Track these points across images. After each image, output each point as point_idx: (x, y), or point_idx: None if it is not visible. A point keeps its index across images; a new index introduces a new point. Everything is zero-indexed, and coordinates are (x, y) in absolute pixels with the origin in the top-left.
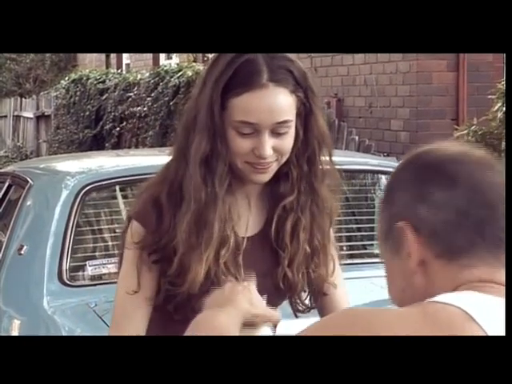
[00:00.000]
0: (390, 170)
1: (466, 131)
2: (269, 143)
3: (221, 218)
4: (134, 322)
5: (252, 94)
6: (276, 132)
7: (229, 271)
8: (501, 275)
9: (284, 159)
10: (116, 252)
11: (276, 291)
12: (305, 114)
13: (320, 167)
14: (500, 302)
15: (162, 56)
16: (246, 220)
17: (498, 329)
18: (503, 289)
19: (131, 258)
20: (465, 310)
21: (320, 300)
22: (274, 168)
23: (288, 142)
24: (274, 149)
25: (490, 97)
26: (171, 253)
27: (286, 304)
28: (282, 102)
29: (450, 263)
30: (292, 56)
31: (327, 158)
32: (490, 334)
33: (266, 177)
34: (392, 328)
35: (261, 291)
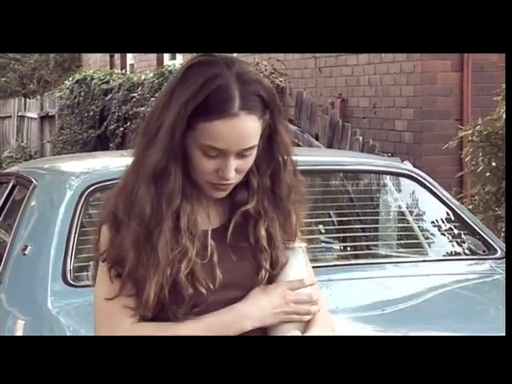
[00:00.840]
0: (395, 170)
1: (470, 131)
2: (233, 166)
3: (166, 240)
4: (117, 328)
5: (223, 122)
6: (241, 155)
7: (195, 282)
8: None
9: (242, 176)
10: None
11: None
12: (269, 132)
13: (288, 180)
14: None
15: (166, 56)
16: (207, 226)
17: None
18: None
19: (101, 267)
20: None
21: None
22: (232, 185)
23: (250, 162)
24: (237, 170)
25: (495, 98)
26: (124, 269)
27: None
28: (250, 130)
29: None
30: (259, 76)
31: (294, 175)
32: None
33: (225, 193)
34: None
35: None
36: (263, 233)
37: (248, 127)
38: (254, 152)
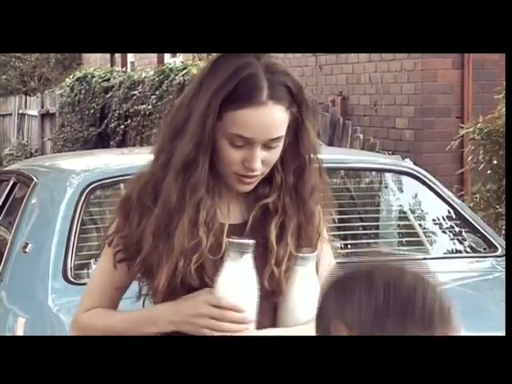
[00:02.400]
0: (395, 168)
1: (471, 129)
2: (259, 156)
3: (184, 230)
4: (103, 300)
5: (251, 111)
6: (267, 146)
7: (204, 276)
8: None
9: (269, 169)
10: None
11: (260, 291)
12: (297, 127)
13: (313, 179)
14: None
15: (167, 54)
16: (226, 220)
17: None
18: None
19: (106, 251)
20: None
21: None
22: (258, 179)
23: (276, 154)
24: (263, 161)
25: (496, 97)
26: (136, 254)
27: None
28: (278, 120)
29: None
30: (289, 70)
31: (319, 175)
32: None
33: (250, 187)
34: None
35: None
36: (274, 228)
37: (275, 116)
38: (281, 144)
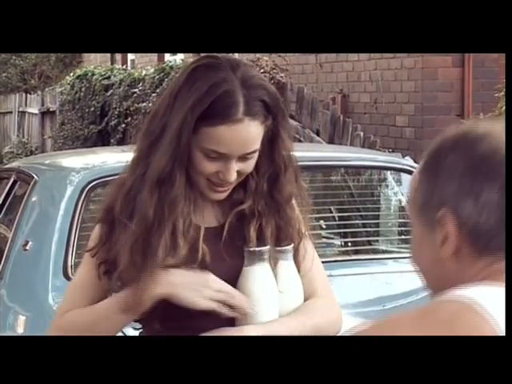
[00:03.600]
0: (396, 166)
1: None
2: (235, 169)
3: (166, 245)
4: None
5: (227, 128)
6: (243, 158)
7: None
8: None
9: (243, 177)
10: None
11: None
12: (271, 136)
13: (289, 186)
14: None
15: None
16: (201, 224)
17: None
18: None
19: (88, 262)
20: (478, 303)
21: None
22: (232, 187)
23: (251, 165)
24: (238, 172)
25: (496, 95)
26: (114, 268)
27: None
28: (253, 135)
29: (482, 256)
30: (264, 81)
31: (295, 181)
32: (499, 322)
33: (224, 195)
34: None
35: None
36: (253, 231)
37: (251, 132)
38: (256, 155)
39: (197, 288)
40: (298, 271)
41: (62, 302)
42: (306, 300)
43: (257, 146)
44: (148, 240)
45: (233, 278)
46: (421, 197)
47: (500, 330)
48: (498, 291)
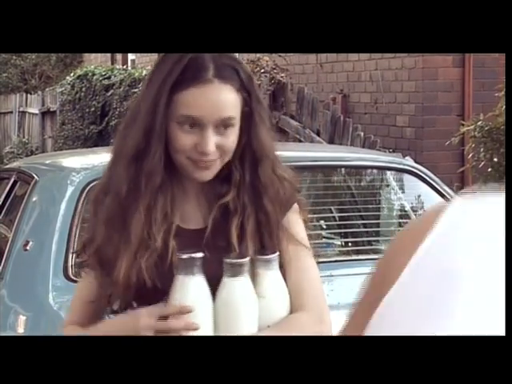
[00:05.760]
0: (396, 166)
1: (472, 127)
2: (212, 139)
3: (141, 220)
4: (79, 315)
5: (197, 89)
6: (219, 128)
7: (152, 276)
8: None
9: (227, 158)
10: None
11: None
12: (248, 122)
13: (267, 176)
14: None
15: None
16: (185, 217)
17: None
18: None
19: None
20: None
21: None
22: (216, 166)
23: (231, 140)
24: (217, 146)
25: (496, 94)
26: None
27: None
28: (226, 98)
29: None
30: (240, 59)
31: (273, 173)
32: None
33: (209, 174)
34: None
35: None
36: (234, 230)
37: (222, 94)
38: (235, 130)
39: (133, 328)
40: (284, 278)
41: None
42: (293, 312)
43: (231, 112)
44: (123, 215)
45: (215, 278)
46: None
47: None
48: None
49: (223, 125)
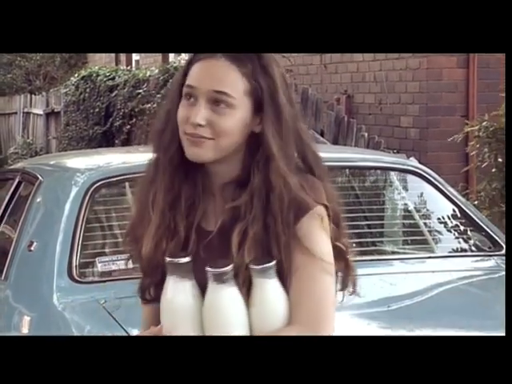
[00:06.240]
0: (400, 167)
1: (477, 127)
2: (202, 112)
3: (167, 204)
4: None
5: (203, 63)
6: (212, 102)
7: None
8: None
9: (223, 142)
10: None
11: None
12: (261, 119)
13: (273, 178)
14: None
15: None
16: (208, 216)
17: None
18: None
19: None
20: None
21: None
22: (209, 146)
23: (227, 121)
24: (209, 122)
25: (501, 95)
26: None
27: None
28: (224, 73)
29: None
30: (277, 61)
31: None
32: None
33: (201, 152)
34: None
35: None
36: (236, 236)
37: (222, 70)
38: (232, 111)
39: None
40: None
41: None
42: (289, 324)
43: (226, 89)
44: (148, 195)
45: (201, 279)
46: None
47: None
48: None
49: (216, 99)
